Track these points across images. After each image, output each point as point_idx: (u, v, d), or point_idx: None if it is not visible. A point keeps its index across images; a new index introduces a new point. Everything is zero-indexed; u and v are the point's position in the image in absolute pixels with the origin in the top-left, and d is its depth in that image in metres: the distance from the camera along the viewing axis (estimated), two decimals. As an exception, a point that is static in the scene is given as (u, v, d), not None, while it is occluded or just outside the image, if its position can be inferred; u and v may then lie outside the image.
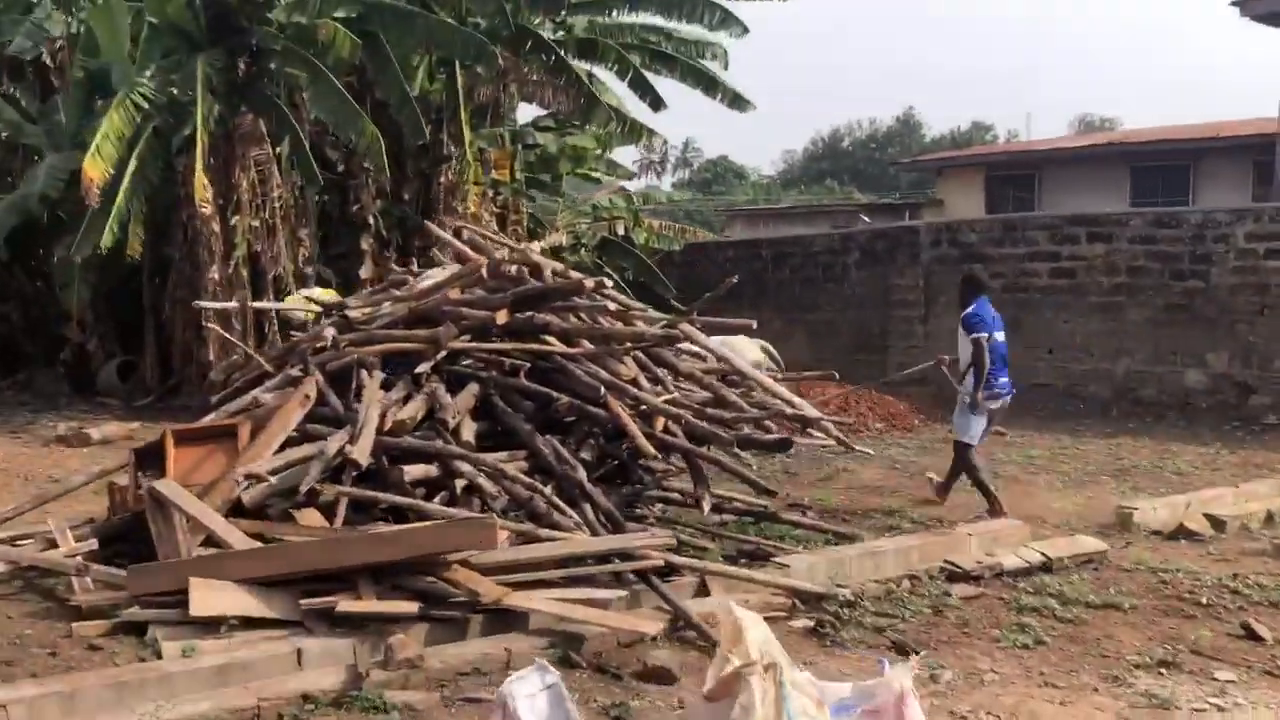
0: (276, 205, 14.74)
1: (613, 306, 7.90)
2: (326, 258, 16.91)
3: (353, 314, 7.83)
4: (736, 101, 18.99)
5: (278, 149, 15.40)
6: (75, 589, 6.00)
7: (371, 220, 16.97)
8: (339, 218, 17.37)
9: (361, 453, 6.24)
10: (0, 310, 17.40)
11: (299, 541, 5.65)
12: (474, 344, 7.35)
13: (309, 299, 12.95)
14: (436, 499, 6.68)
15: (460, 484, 6.62)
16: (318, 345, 7.46)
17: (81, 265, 15.74)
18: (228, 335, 8.79)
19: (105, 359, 17.00)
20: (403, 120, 14.65)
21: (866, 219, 35.86)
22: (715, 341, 8.36)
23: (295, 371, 7.32)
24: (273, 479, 6.11)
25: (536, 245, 18.95)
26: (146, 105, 13.90)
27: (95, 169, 13.15)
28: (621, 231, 20.78)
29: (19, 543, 6.97)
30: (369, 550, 5.45)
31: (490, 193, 18.16)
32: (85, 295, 15.59)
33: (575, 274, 8.46)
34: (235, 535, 5.72)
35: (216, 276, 14.28)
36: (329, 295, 12.67)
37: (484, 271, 7.80)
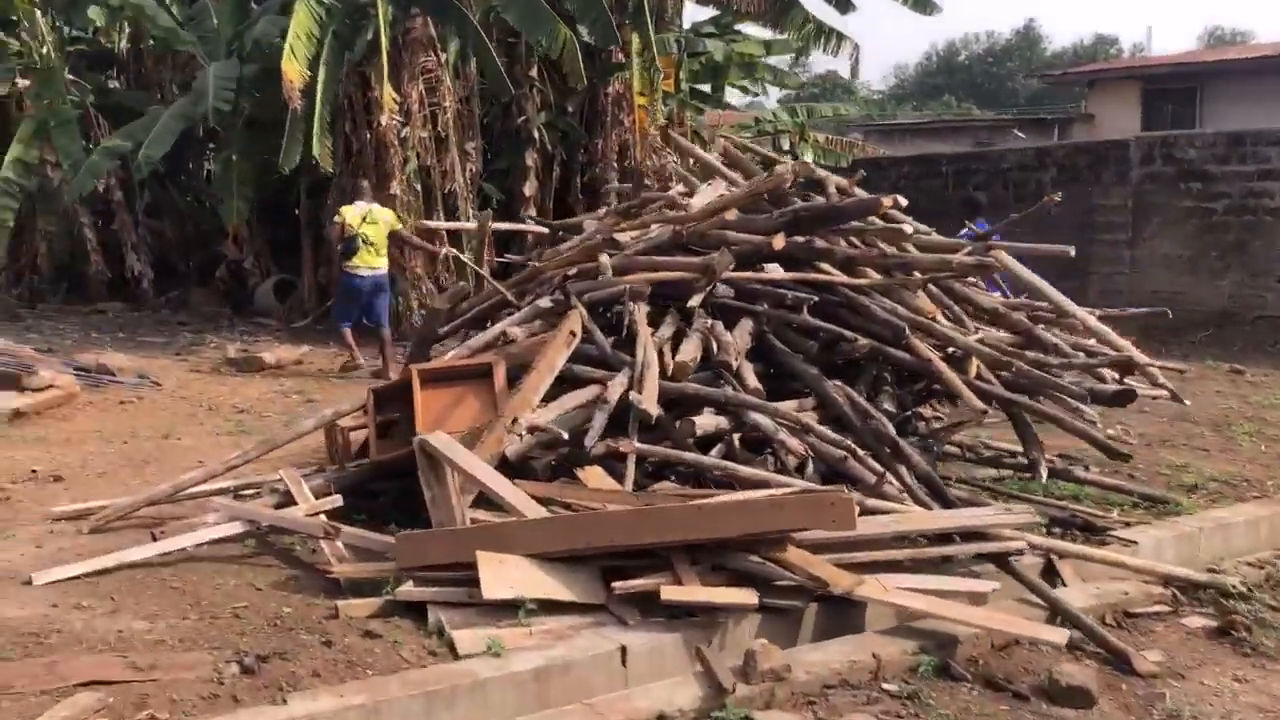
0: (449, 116, 13.80)
1: (909, 229, 6.78)
2: (488, 173, 16.00)
3: (621, 237, 6.83)
4: (840, 3, 17.42)
5: (443, 55, 14.44)
6: (328, 556, 5.17)
7: (536, 134, 15.96)
8: (500, 131, 16.42)
9: (650, 401, 5.29)
10: (154, 227, 16.85)
11: (605, 512, 4.71)
12: (750, 274, 6.30)
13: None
14: (711, 453, 5.72)
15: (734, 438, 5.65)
16: (569, 272, 6.49)
17: (238, 179, 15.07)
18: (460, 256, 7.84)
19: (262, 277, 16.41)
20: (588, 23, 13.48)
21: (1021, 134, 33.85)
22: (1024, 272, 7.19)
23: (546, 302, 6.37)
24: (562, 432, 5.18)
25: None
26: (323, 4, 12.92)
27: (293, 69, 12.30)
28: (786, 146, 19.52)
29: (243, 494, 6.20)
30: (691, 525, 4.49)
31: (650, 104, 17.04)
32: (244, 211, 14.88)
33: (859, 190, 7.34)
34: (525, 501, 4.80)
35: (396, 192, 13.43)
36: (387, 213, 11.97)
37: (786, 182, 6.69)
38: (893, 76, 70.09)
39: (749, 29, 19.49)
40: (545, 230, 8.17)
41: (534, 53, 15.63)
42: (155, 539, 5.40)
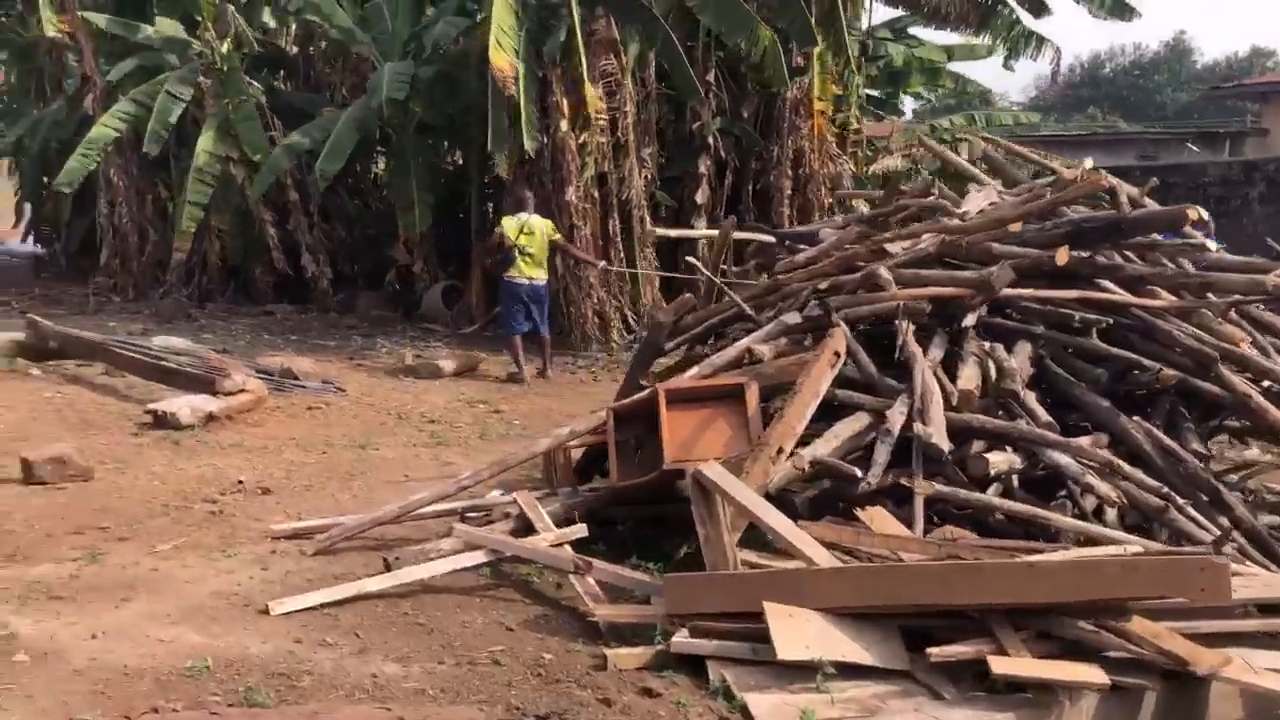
0: (630, 121, 13.37)
1: (1213, 247, 6.04)
2: (660, 180, 15.52)
3: (892, 247, 6.23)
4: (1034, 7, 16.36)
5: (623, 59, 14.01)
6: (580, 593, 4.68)
7: (711, 140, 15.43)
8: (672, 137, 15.92)
9: (941, 434, 4.68)
10: (324, 229, 16.76)
11: (911, 566, 4.12)
12: (1029, 291, 5.64)
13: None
14: (989, 491, 5.08)
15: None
16: (819, 285, 5.91)
17: (417, 185, 14.87)
18: (706, 271, 7.41)
19: (430, 283, 16.21)
20: (785, 23, 12.84)
21: (1195, 148, 32.24)
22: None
23: (792, 317, 5.81)
24: (855, 470, 4.61)
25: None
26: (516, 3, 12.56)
27: (502, 59, 11.99)
28: (965, 156, 18.59)
29: (470, 515, 5.77)
30: (1021, 586, 3.88)
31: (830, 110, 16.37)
32: (426, 218, 14.66)
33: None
34: (813, 547, 4.23)
35: (571, 199, 13.05)
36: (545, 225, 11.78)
37: (1103, 185, 6.03)
38: (1033, 88, 67.91)
39: (922, 32, 18.74)
40: (771, 239, 7.60)
41: (710, 56, 15.12)
42: (389, 566, 4.99)
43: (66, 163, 15.94)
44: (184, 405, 8.48)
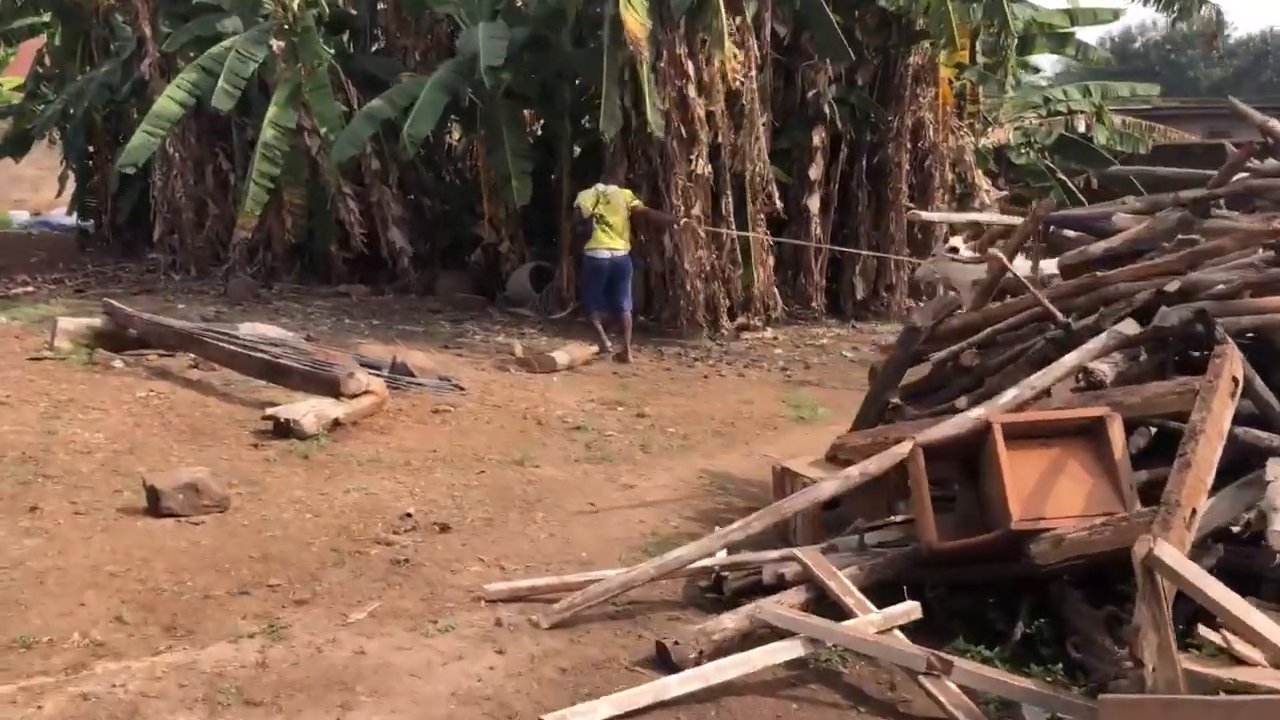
0: (755, 87, 12.13)
1: None
2: (771, 153, 14.25)
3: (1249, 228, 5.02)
4: None
5: (738, 17, 12.76)
6: (945, 706, 3.53)
7: (826, 110, 14.17)
8: (781, 106, 14.65)
9: None
10: (409, 203, 15.54)
11: None
12: None
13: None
14: None
15: None
16: (1165, 287, 4.69)
17: (514, 155, 13.67)
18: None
19: (517, 263, 15.02)
20: None
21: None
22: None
23: (1128, 327, 4.62)
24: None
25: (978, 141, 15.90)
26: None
27: (633, 20, 10.81)
28: (1082, 128, 17.31)
29: (724, 575, 4.61)
30: None
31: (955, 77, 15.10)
32: (527, 191, 13.45)
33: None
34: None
35: (697, 172, 11.87)
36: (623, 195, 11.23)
37: None
38: (1059, 63, 66.10)
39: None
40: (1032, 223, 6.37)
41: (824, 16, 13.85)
42: (666, 652, 3.85)
43: (130, 140, 14.77)
44: (307, 411, 7.36)
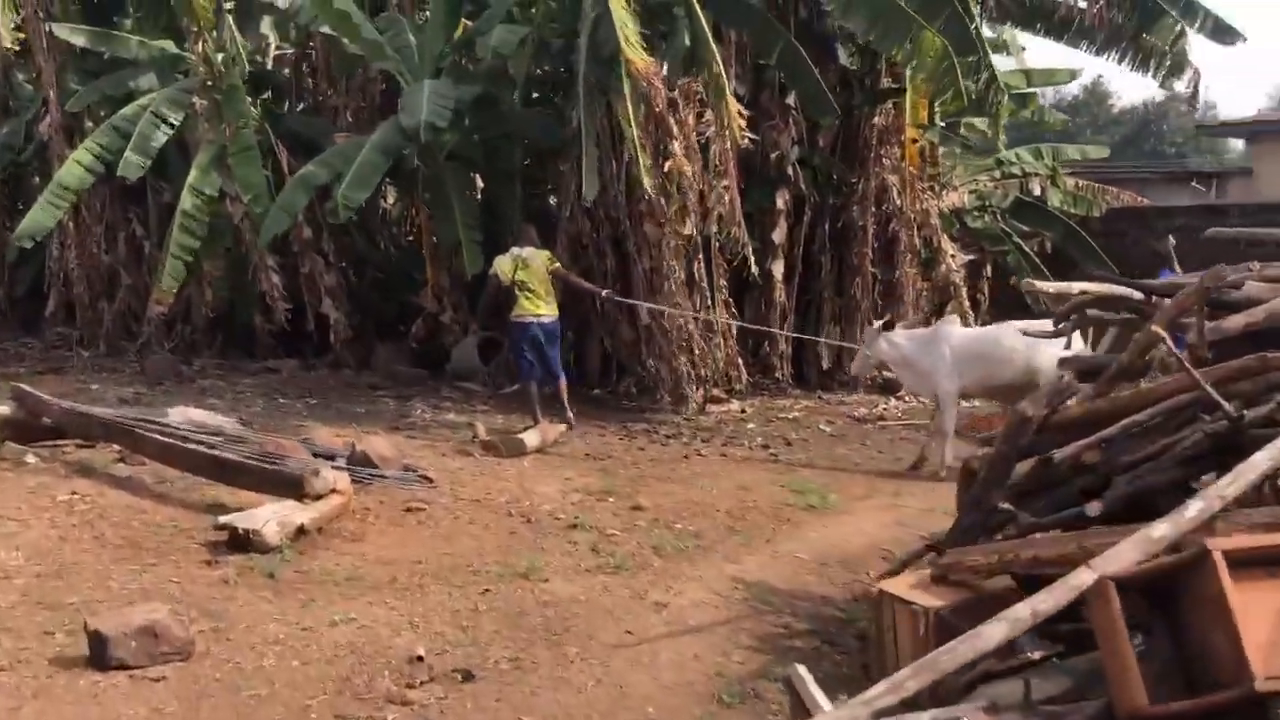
0: (727, 145, 11.37)
1: None
2: (732, 217, 13.50)
3: None
4: (1222, 33, 14.67)
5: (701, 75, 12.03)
6: None
7: (790, 171, 13.50)
8: (744, 167, 13.93)
9: None
10: (339, 276, 14.42)
11: None
12: None
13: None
14: None
15: None
16: None
17: (463, 221, 12.72)
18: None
19: (460, 334, 13.99)
20: (938, 25, 10.73)
21: (1200, 186, 31.18)
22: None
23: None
24: None
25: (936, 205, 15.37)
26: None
27: (638, 56, 9.92)
28: (1037, 191, 16.94)
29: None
30: None
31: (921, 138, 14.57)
32: (479, 259, 12.46)
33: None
34: None
35: (668, 239, 11.06)
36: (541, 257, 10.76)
37: None
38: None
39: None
40: (1137, 295, 5.60)
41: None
42: None
43: (30, 210, 13.50)
44: (268, 518, 6.25)
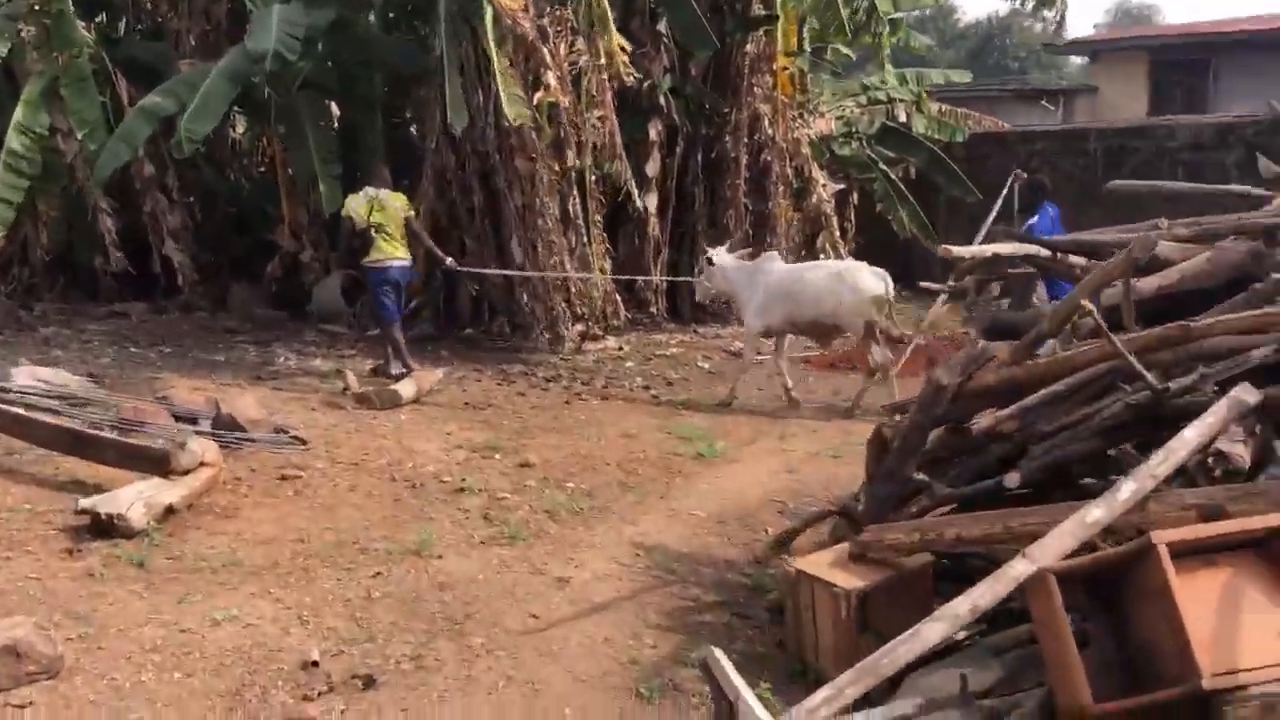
0: (604, 77, 10.99)
1: None
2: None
3: None
4: None
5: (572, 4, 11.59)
6: None
7: (663, 102, 13.21)
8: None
9: None
10: (185, 214, 13.59)
11: None
12: None
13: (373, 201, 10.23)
14: None
15: None
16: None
17: (318, 156, 12.05)
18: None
19: (321, 273, 13.39)
20: None
21: (1050, 105, 31.85)
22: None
23: (1247, 395, 3.75)
24: None
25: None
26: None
27: None
28: (903, 118, 16.99)
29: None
30: None
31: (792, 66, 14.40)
32: (337, 195, 11.81)
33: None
34: None
35: (543, 175, 10.67)
36: (398, 200, 10.37)
37: None
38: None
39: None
40: (1044, 252, 5.47)
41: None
42: None
43: None
44: (133, 500, 5.79)
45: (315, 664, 4.28)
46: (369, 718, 3.94)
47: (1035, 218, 9.70)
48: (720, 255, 10.15)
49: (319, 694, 4.06)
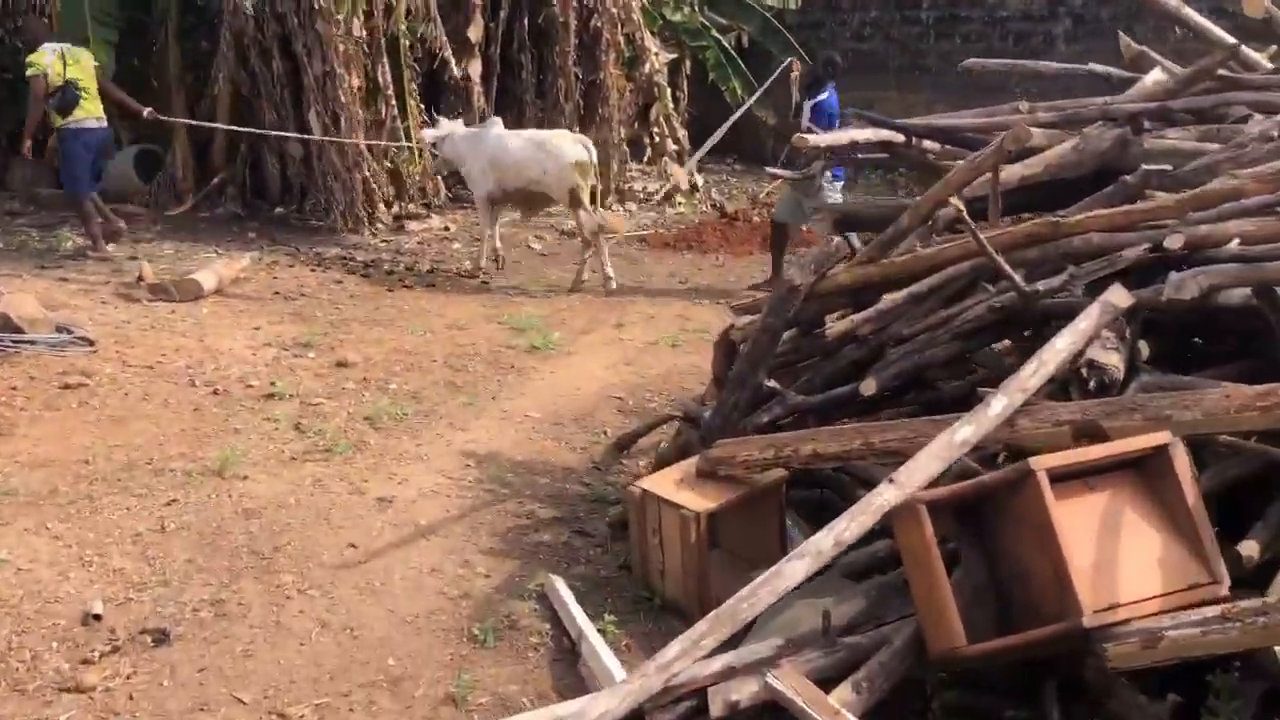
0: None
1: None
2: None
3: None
4: None
5: None
6: None
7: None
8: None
9: None
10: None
11: None
12: None
13: None
14: None
15: None
16: (1175, 243, 3.59)
17: (92, 11, 10.84)
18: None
19: (115, 148, 12.18)
20: None
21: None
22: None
23: (1118, 297, 3.50)
24: None
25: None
26: None
27: None
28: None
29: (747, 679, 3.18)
30: None
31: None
32: (109, 56, 10.68)
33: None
34: None
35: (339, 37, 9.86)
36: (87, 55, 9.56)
37: None
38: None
39: None
40: (898, 136, 5.08)
41: None
42: None
43: None
44: (-121, 422, 5.03)
45: (98, 617, 3.74)
46: (160, 681, 3.43)
47: (825, 94, 9.40)
48: (447, 124, 9.89)
49: (101, 655, 3.53)
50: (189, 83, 12.00)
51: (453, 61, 11.12)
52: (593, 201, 9.37)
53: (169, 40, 11.84)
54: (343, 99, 10.46)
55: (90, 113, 9.34)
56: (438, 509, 4.84)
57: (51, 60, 9.12)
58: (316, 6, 10.29)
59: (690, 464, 4.08)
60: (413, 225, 11.59)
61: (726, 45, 15.87)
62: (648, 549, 3.99)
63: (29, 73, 9.30)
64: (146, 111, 9.77)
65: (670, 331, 8.07)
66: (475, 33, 12.41)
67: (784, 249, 9.24)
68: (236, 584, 4.06)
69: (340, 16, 10.33)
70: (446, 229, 11.71)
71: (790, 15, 16.68)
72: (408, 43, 11.48)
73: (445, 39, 11.09)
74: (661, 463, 5.14)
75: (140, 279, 8.72)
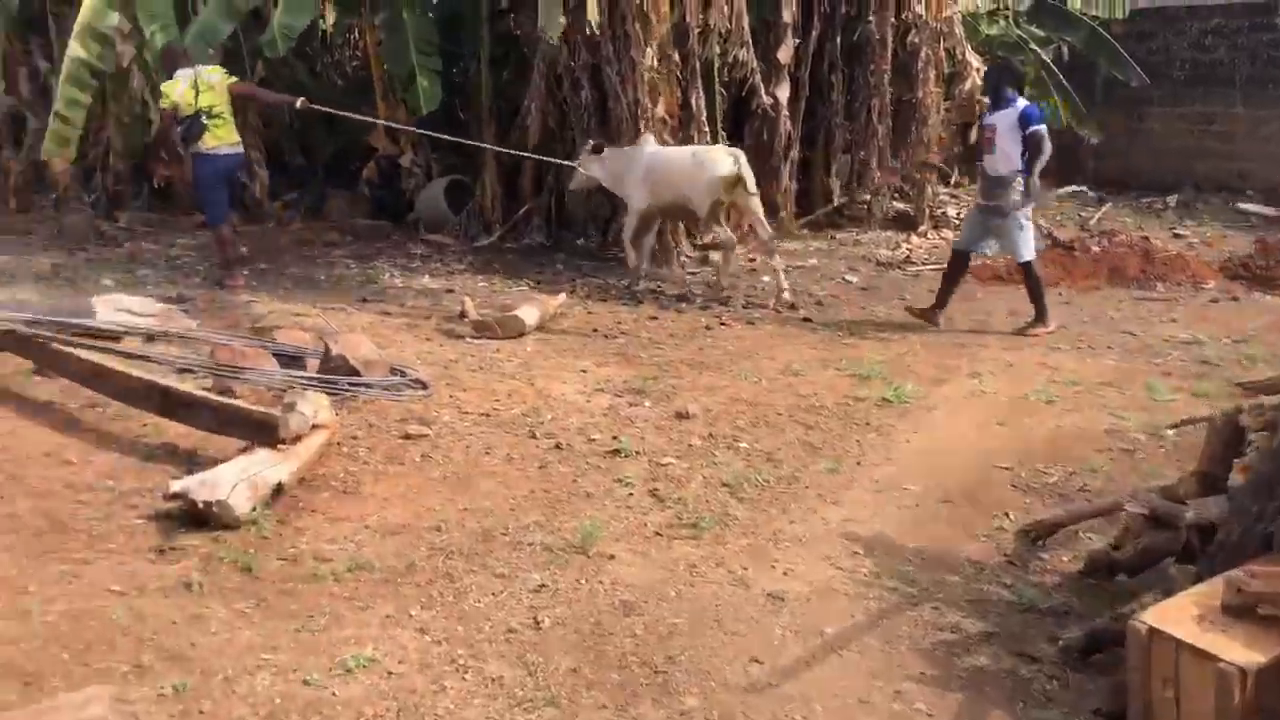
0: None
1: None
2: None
3: None
4: None
5: None
6: None
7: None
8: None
9: None
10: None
11: None
12: None
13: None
14: None
15: None
16: None
17: (416, 47, 10.78)
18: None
19: (424, 179, 12.22)
20: None
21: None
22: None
23: None
24: None
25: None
26: None
27: None
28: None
29: None
30: None
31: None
32: (435, 93, 10.59)
33: None
34: None
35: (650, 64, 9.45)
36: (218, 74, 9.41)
37: None
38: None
39: None
40: None
41: None
42: None
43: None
44: (235, 480, 4.73)
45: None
46: None
47: (1010, 105, 8.22)
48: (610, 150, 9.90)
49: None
50: (497, 113, 11.85)
51: (762, 87, 10.52)
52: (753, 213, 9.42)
53: (481, 70, 11.72)
54: (648, 128, 10.05)
55: (223, 139, 9.24)
56: (838, 612, 4.11)
57: (183, 90, 9.07)
58: (630, 34, 9.88)
59: (1207, 593, 3.18)
60: (715, 256, 11.03)
61: (1046, 59, 14.69)
62: (1156, 705, 3.11)
63: (161, 104, 9.40)
64: (299, 102, 9.58)
65: (1037, 383, 7.11)
66: (785, 54, 11.75)
67: (957, 280, 8.73)
68: (636, 708, 3.44)
69: (657, 42, 9.88)
70: (752, 260, 11.09)
71: (1117, 25, 15.27)
72: (719, 65, 10.97)
73: (756, 63, 10.49)
74: (1095, 565, 4.26)
75: (463, 314, 8.48)
